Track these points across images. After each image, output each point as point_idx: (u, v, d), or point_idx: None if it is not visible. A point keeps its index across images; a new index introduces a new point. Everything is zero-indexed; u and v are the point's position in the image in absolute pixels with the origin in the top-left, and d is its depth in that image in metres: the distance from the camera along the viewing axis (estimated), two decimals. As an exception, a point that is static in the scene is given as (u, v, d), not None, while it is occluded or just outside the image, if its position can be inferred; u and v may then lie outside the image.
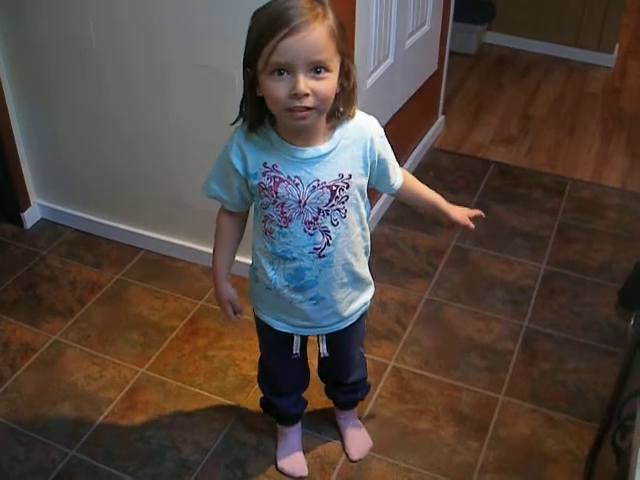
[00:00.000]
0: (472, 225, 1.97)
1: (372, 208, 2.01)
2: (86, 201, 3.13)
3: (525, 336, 2.70)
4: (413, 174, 3.56)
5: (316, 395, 2.35)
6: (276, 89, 1.46)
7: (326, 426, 2.34)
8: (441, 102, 3.99)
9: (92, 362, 2.57)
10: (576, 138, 4.07)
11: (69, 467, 2.22)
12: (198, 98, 2.60)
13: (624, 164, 3.84)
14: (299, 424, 2.25)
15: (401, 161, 3.41)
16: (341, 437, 2.29)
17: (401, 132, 3.29)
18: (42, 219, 3.25)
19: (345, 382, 2.13)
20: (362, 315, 1.93)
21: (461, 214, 1.96)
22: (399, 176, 1.81)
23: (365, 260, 1.84)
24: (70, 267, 3.00)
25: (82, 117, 2.89)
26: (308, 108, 1.48)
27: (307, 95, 1.46)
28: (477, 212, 1.98)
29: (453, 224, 1.98)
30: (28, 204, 3.21)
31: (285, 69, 1.44)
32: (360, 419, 2.32)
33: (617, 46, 4.94)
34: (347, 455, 2.24)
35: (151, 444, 2.29)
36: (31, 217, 3.22)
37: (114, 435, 2.32)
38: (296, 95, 1.45)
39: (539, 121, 4.24)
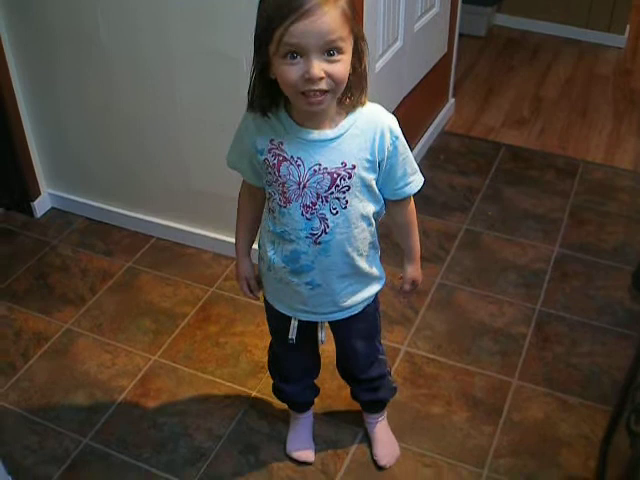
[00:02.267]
0: (406, 295, 1.97)
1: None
2: (96, 189, 3.13)
3: (538, 320, 2.69)
4: (424, 158, 3.58)
5: (328, 381, 2.35)
6: (289, 73, 1.44)
7: (339, 412, 2.35)
8: (451, 85, 3.97)
9: (104, 350, 2.57)
10: (588, 120, 4.04)
11: (83, 455, 2.23)
12: (206, 84, 2.59)
13: (636, 145, 3.81)
14: (311, 411, 2.25)
15: (411, 145, 3.40)
16: (369, 441, 2.26)
17: (411, 116, 3.27)
18: (52, 208, 3.26)
19: (359, 378, 2.09)
20: (367, 308, 1.89)
21: (410, 279, 1.92)
22: (409, 187, 1.72)
23: (373, 255, 1.81)
24: (81, 255, 3.00)
25: (90, 106, 2.88)
26: (323, 92, 1.46)
27: (321, 79, 1.44)
28: (407, 291, 1.95)
29: (403, 282, 1.94)
30: (38, 193, 3.21)
31: (298, 52, 1.42)
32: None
33: (628, 27, 4.90)
34: (374, 461, 2.21)
35: (164, 431, 2.29)
36: (41, 206, 3.22)
37: (127, 423, 2.32)
38: (310, 79, 1.43)
39: (550, 103, 4.21)
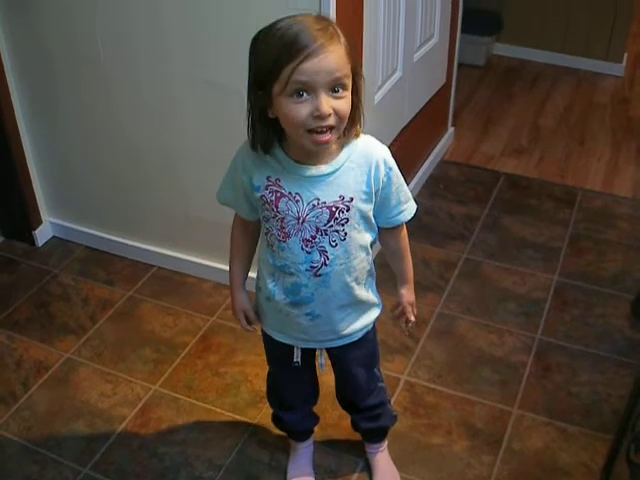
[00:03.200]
0: (407, 320, 1.94)
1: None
2: (97, 218, 3.14)
3: (538, 348, 2.69)
4: (424, 186, 3.59)
5: (329, 410, 2.35)
6: (297, 111, 1.46)
7: (340, 441, 2.34)
8: (450, 114, 3.99)
9: (105, 379, 2.57)
10: (586, 148, 4.07)
11: (83, 485, 2.23)
12: (207, 115, 2.61)
13: (635, 173, 3.83)
14: (311, 440, 2.25)
15: (411, 174, 3.43)
16: (370, 471, 2.25)
17: (411, 145, 3.29)
18: (54, 237, 3.27)
19: (359, 406, 2.09)
20: (366, 335, 1.90)
21: (407, 302, 1.91)
22: (403, 215, 1.75)
23: (370, 282, 1.83)
24: (82, 285, 3.00)
25: (92, 135, 2.90)
26: (330, 128, 1.49)
27: (329, 115, 1.47)
28: (410, 319, 1.94)
29: (397, 305, 1.94)
30: (40, 222, 3.23)
31: (306, 90, 1.45)
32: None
33: (625, 55, 4.94)
34: None
35: (164, 461, 2.29)
36: (43, 235, 3.23)
37: (127, 452, 2.32)
38: (319, 116, 1.46)
39: (549, 132, 4.24)
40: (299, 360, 1.90)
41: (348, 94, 1.50)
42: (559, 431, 2.38)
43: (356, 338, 1.88)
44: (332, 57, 1.43)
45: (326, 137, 1.49)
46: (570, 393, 2.52)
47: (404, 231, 1.83)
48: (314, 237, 1.64)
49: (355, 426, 2.19)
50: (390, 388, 2.46)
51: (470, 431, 2.38)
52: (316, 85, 1.44)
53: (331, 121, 1.48)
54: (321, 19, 1.48)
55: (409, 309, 1.93)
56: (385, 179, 1.66)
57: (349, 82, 1.49)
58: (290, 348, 1.89)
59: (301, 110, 1.46)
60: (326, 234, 1.64)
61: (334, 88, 1.46)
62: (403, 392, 2.51)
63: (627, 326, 2.79)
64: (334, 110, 1.47)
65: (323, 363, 1.94)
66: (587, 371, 2.60)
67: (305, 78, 1.43)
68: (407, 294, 1.91)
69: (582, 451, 2.31)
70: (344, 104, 1.49)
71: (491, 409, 2.46)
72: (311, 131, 1.49)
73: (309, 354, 1.93)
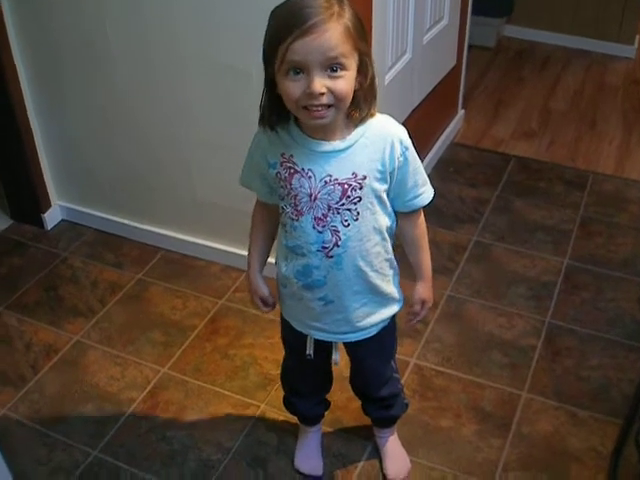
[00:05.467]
0: (414, 317, 1.89)
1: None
2: (106, 202, 3.14)
3: (548, 332, 2.68)
4: (434, 169, 3.57)
5: (337, 393, 2.34)
6: (291, 89, 1.46)
7: (349, 424, 2.34)
8: (460, 96, 3.97)
9: (114, 362, 2.58)
10: (597, 131, 4.04)
11: (92, 468, 2.23)
12: (216, 98, 2.60)
13: (646, 156, 3.80)
14: (320, 424, 2.24)
15: (421, 156, 3.40)
16: (379, 456, 2.25)
17: (421, 127, 3.27)
18: (63, 220, 3.27)
19: (372, 396, 2.08)
20: (383, 330, 1.87)
21: (419, 299, 1.85)
22: (420, 199, 1.72)
23: (389, 274, 1.79)
24: (91, 267, 3.01)
25: (101, 118, 2.90)
26: (326, 106, 1.47)
27: (322, 94, 1.45)
28: (416, 312, 1.88)
29: (412, 302, 1.88)
30: (49, 205, 3.23)
31: (300, 68, 1.44)
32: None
33: (637, 37, 4.90)
34: (384, 475, 2.20)
35: (173, 444, 2.29)
36: (52, 218, 3.23)
37: (136, 435, 2.32)
38: (311, 94, 1.44)
39: (560, 114, 4.21)
40: (311, 353, 1.88)
41: (348, 74, 1.47)
42: (569, 415, 2.37)
43: (372, 333, 1.85)
44: (327, 35, 1.41)
45: (321, 112, 1.48)
46: (580, 377, 2.51)
47: (421, 218, 1.79)
48: (326, 215, 1.62)
49: (366, 412, 2.19)
50: (399, 371, 2.45)
51: (479, 414, 2.38)
52: (309, 64, 1.42)
53: (324, 100, 1.46)
54: None
55: (417, 307, 1.87)
56: (401, 159, 1.63)
57: (349, 62, 1.46)
58: (305, 339, 1.87)
59: (295, 88, 1.45)
60: (338, 212, 1.62)
61: (331, 67, 1.44)
62: (412, 375, 2.51)
63: (637, 310, 2.78)
64: (329, 89, 1.45)
65: (337, 360, 1.92)
66: (597, 355, 2.59)
67: (298, 57, 1.42)
68: (421, 290, 1.86)
69: (592, 435, 2.30)
70: (342, 84, 1.46)
71: (500, 392, 2.45)
72: (306, 107, 1.48)
73: (324, 345, 1.90)
